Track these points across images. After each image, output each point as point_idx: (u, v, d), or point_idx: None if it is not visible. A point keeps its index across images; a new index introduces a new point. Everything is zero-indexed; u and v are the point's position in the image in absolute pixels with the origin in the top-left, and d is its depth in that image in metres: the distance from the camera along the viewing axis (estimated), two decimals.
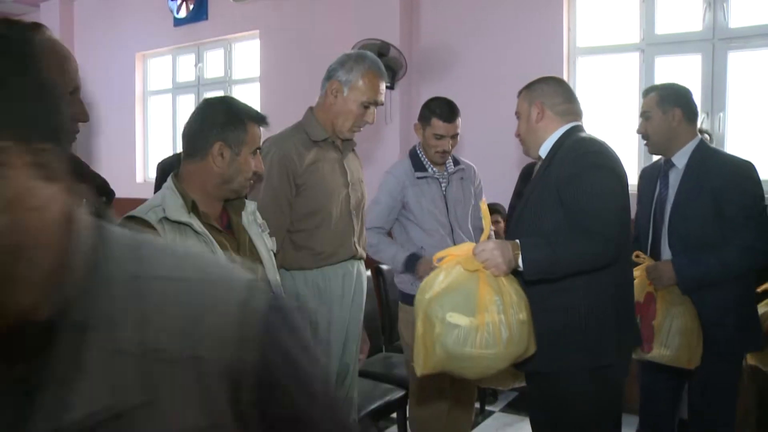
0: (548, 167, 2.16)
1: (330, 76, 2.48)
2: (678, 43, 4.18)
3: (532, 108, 2.26)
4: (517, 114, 2.34)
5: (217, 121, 1.96)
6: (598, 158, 2.10)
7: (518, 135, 2.35)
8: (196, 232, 1.89)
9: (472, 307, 1.98)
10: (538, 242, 2.02)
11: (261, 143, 2.04)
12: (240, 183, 2.00)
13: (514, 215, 2.31)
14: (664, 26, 4.25)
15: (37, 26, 1.43)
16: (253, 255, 2.06)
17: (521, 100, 2.33)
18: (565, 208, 2.07)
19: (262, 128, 2.04)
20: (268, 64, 5.76)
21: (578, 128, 2.24)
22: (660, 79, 4.22)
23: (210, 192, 1.98)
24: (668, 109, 2.65)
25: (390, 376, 3.46)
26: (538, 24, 4.50)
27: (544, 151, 2.25)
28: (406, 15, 4.94)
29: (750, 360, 2.71)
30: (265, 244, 2.12)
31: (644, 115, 2.72)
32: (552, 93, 2.28)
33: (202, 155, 1.96)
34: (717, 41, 4.03)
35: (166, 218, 1.87)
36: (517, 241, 1.99)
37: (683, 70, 4.15)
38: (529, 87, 2.33)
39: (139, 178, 6.98)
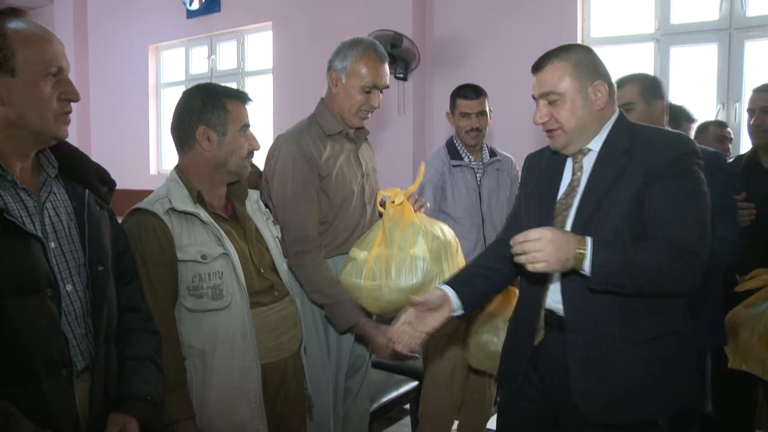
0: (628, 163, 1.77)
1: (329, 67, 2.47)
2: (694, 33, 4.14)
3: (592, 88, 1.82)
4: (548, 95, 1.85)
5: (195, 106, 1.97)
6: (699, 162, 1.77)
7: (555, 122, 1.85)
8: (202, 221, 1.90)
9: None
10: (609, 242, 1.70)
11: (249, 120, 2.03)
12: (236, 163, 1.99)
13: (579, 222, 1.82)
14: (679, 15, 4.21)
15: (14, 11, 1.46)
16: (260, 242, 2.07)
17: (562, 74, 1.83)
18: (649, 210, 1.73)
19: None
20: (281, 56, 5.75)
21: (622, 112, 1.93)
22: (675, 69, 4.19)
23: (210, 179, 1.99)
24: (652, 101, 2.45)
25: (403, 368, 3.47)
26: (552, 14, 4.46)
27: (596, 145, 1.86)
28: (418, 6, 4.91)
29: (733, 363, 2.64)
30: (271, 232, 2.13)
31: (627, 105, 2.40)
32: (606, 69, 1.87)
33: (190, 144, 1.98)
34: (734, 30, 3.98)
35: (173, 209, 1.88)
36: (588, 238, 1.65)
37: (699, 60, 4.11)
38: (569, 57, 1.83)
39: (152, 170, 7.01)
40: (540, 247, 1.59)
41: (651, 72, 4.24)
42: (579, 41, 4.42)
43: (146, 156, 7.00)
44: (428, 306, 1.95)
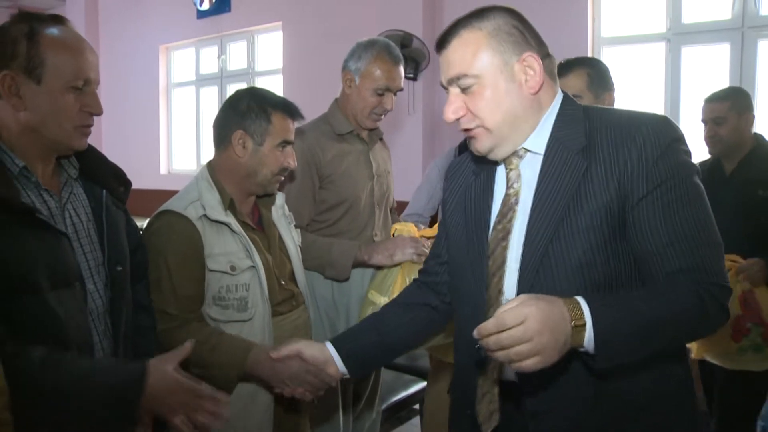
0: (591, 166, 1.29)
1: (343, 67, 2.45)
2: (706, 32, 4.11)
3: (520, 65, 1.32)
4: (459, 79, 1.34)
5: (240, 109, 1.93)
6: (687, 149, 1.30)
7: (473, 118, 1.34)
8: (232, 231, 1.88)
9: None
10: (607, 298, 1.22)
11: (292, 137, 1.96)
12: (265, 177, 1.94)
13: (529, 259, 1.32)
14: (691, 15, 4.18)
15: (55, 18, 1.47)
16: (282, 251, 2.05)
17: (476, 48, 1.33)
18: (641, 232, 1.26)
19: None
20: (291, 56, 5.76)
21: (567, 96, 1.42)
22: (687, 70, 4.16)
23: (239, 185, 1.95)
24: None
25: (412, 368, 3.46)
26: (563, 13, 4.44)
27: (537, 144, 1.36)
28: (428, 5, 4.90)
29: (696, 354, 2.67)
30: (293, 239, 2.10)
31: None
32: (538, 36, 1.39)
33: (225, 145, 1.94)
34: (746, 30, 3.95)
35: (206, 216, 1.85)
36: (579, 299, 1.15)
37: (711, 60, 4.08)
38: (484, 25, 1.36)
39: (163, 170, 7.04)
40: (526, 336, 1.07)
41: (662, 72, 4.23)
42: (589, 41, 4.40)
43: (156, 156, 7.03)
44: (308, 360, 1.64)
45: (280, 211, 2.08)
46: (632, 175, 1.25)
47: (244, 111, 1.92)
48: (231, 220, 1.88)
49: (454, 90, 1.35)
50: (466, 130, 1.36)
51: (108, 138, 7.34)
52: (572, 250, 1.28)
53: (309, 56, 5.53)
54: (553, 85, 1.39)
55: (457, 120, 1.36)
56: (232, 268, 1.85)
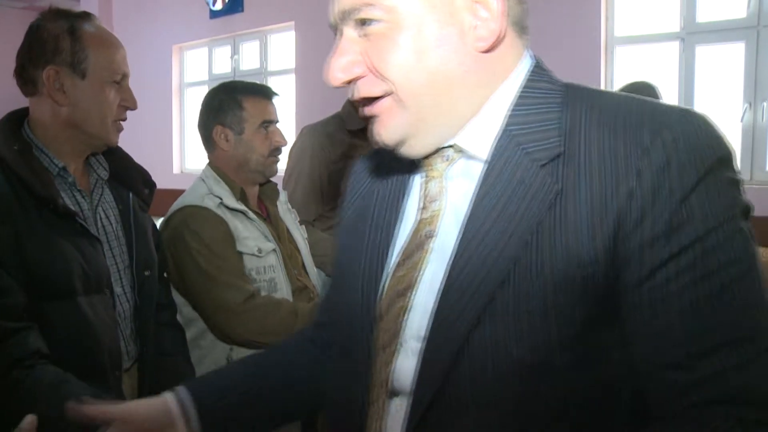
0: (564, 191, 0.74)
1: None
2: (720, 31, 4.07)
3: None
4: (358, 11, 0.84)
5: (213, 106, 1.97)
6: (734, 177, 0.74)
7: (376, 80, 0.83)
8: (249, 218, 1.91)
9: None
10: None
11: (273, 116, 1.98)
12: (258, 161, 1.95)
13: (443, 338, 0.77)
14: (705, 13, 4.15)
15: (86, 15, 1.50)
16: (292, 244, 2.07)
17: None
18: (650, 337, 0.73)
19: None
20: (304, 56, 5.77)
21: (541, 65, 0.89)
22: (701, 69, 4.13)
23: (238, 178, 1.98)
24: None
25: None
26: (575, 13, 4.43)
27: (478, 140, 0.83)
28: None
29: None
30: (301, 233, 2.13)
31: None
32: None
33: (211, 143, 1.99)
34: (762, 28, 3.91)
35: (223, 204, 1.87)
36: None
37: (726, 60, 4.05)
38: None
39: (176, 170, 7.07)
40: None
41: (675, 72, 4.21)
42: (602, 40, 4.38)
43: (170, 155, 7.06)
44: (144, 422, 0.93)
45: (284, 207, 2.12)
46: (641, 220, 0.71)
47: (217, 106, 1.96)
48: (245, 208, 1.92)
49: (349, 32, 0.86)
50: (366, 100, 0.83)
51: (121, 137, 7.35)
52: (515, 340, 0.74)
53: (322, 56, 5.43)
54: (519, 44, 0.85)
55: (349, 83, 0.85)
56: (259, 250, 1.88)
